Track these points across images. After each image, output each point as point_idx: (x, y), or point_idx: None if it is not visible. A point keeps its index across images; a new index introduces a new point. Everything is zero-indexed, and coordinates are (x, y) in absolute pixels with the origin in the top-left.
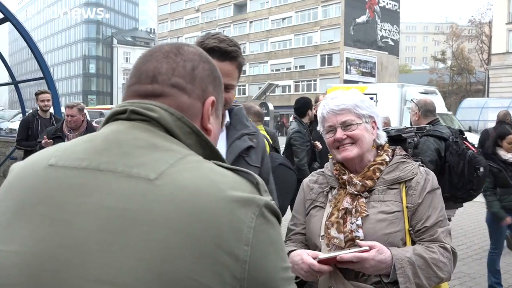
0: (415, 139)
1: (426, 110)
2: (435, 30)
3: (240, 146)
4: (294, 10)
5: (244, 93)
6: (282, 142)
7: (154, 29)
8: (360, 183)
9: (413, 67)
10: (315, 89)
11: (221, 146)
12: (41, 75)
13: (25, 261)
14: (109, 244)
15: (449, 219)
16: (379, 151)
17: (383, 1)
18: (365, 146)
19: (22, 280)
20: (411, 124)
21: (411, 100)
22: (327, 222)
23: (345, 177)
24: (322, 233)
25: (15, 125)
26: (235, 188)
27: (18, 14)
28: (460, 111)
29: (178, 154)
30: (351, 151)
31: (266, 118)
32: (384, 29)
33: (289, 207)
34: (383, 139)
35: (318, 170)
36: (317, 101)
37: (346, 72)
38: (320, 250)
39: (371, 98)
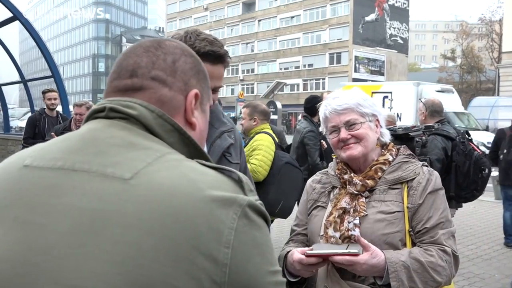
0: (423, 137)
1: (433, 110)
2: (444, 28)
3: (222, 145)
4: (302, 8)
5: (252, 92)
6: (289, 140)
7: (163, 27)
8: (361, 183)
9: (423, 66)
10: (323, 88)
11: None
12: (50, 74)
13: None
14: (81, 246)
15: None
16: (383, 150)
17: None
18: (369, 144)
19: None
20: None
21: (419, 99)
22: (325, 222)
23: (346, 176)
24: (322, 232)
25: (25, 123)
26: (216, 187)
27: (27, 14)
28: (470, 109)
29: (157, 153)
30: (355, 149)
31: (274, 117)
32: (393, 27)
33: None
34: (387, 137)
35: (323, 170)
36: (321, 100)
37: (355, 71)
38: None
39: (386, 97)
